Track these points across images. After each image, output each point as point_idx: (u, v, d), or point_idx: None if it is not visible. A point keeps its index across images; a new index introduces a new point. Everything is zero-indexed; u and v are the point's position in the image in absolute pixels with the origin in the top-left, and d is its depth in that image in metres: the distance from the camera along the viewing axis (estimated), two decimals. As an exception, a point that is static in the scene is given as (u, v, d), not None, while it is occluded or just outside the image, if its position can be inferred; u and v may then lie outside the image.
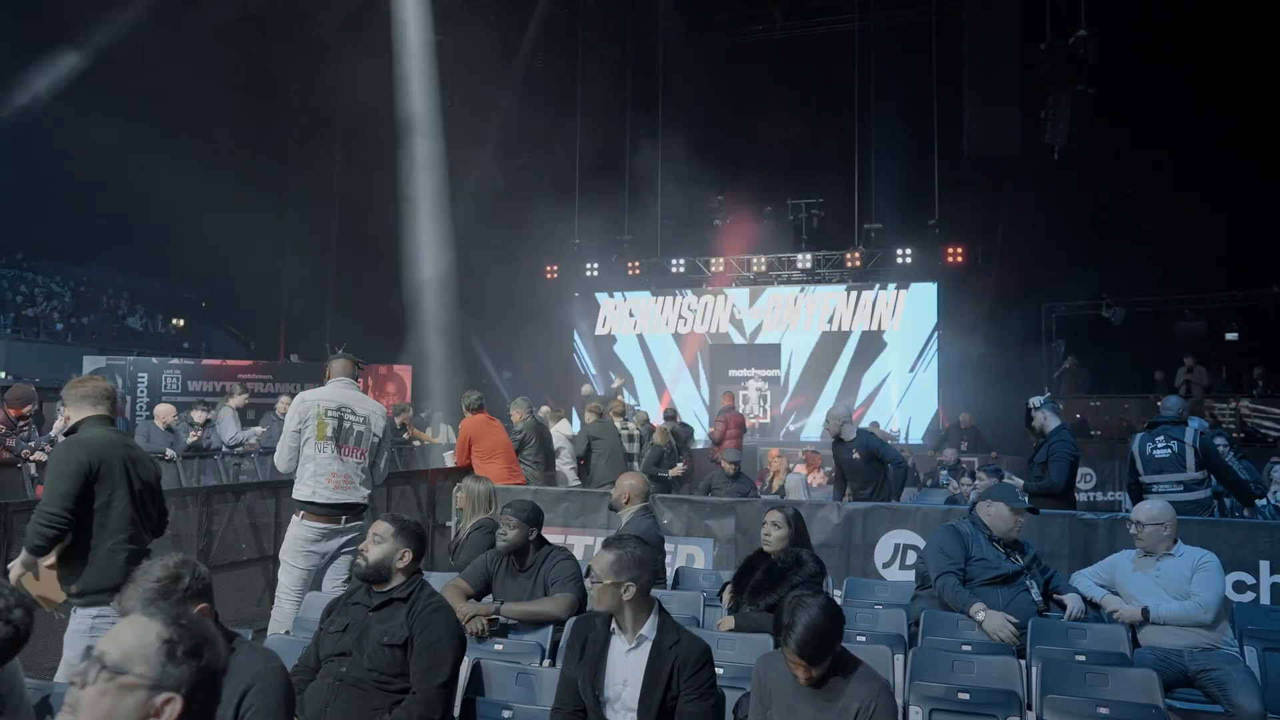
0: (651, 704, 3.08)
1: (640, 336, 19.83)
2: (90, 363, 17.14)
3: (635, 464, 10.64)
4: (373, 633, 3.32)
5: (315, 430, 5.06)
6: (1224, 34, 14.34)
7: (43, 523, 3.54)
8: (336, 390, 5.25)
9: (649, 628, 3.21)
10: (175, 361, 17.90)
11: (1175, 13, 14.50)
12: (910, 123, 16.90)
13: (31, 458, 7.59)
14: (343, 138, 20.82)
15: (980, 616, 4.18)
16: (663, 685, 3.09)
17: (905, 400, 17.69)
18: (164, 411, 10.50)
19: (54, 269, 22.55)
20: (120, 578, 3.57)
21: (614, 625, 3.29)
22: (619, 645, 3.24)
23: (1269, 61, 13.91)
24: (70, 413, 3.86)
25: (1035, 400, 6.76)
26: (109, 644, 1.58)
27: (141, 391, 16.49)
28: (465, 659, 3.53)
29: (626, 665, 3.20)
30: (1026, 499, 6.32)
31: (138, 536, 3.72)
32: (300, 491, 5.08)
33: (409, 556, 3.45)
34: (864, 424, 14.46)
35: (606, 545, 3.39)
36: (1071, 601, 4.43)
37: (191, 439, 10.71)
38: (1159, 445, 6.35)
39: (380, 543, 3.43)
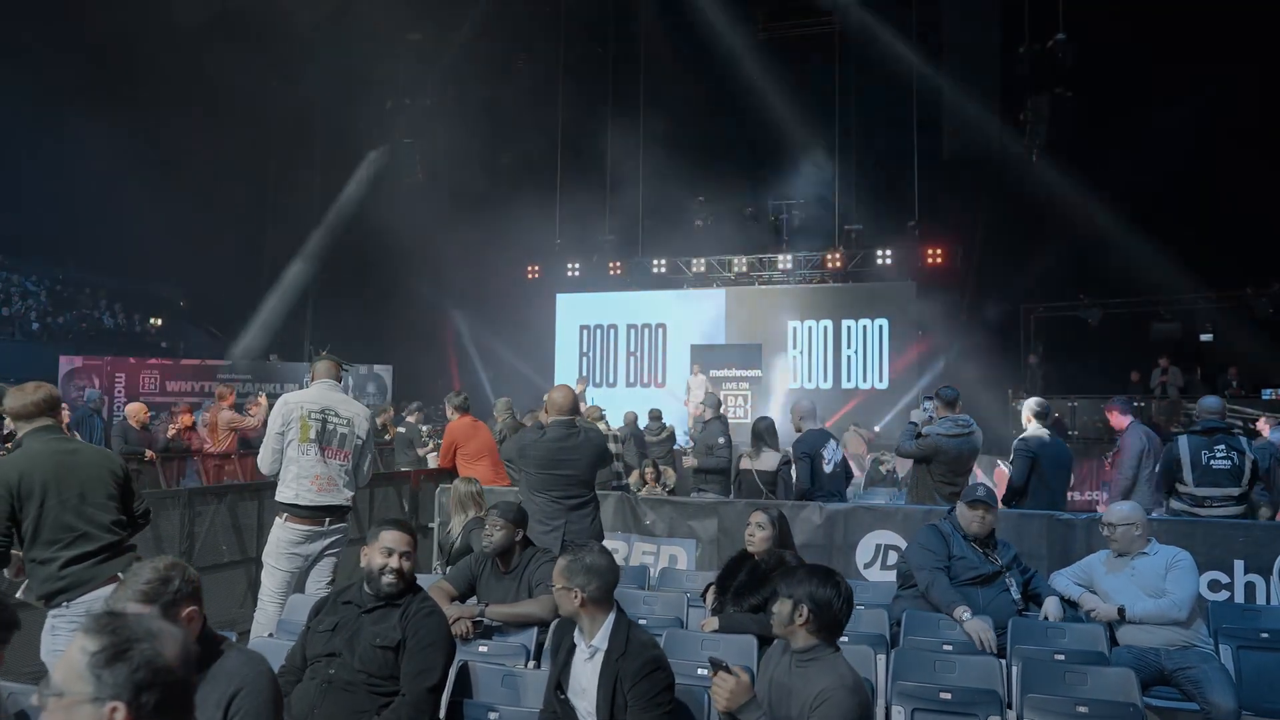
0: (606, 715, 3.12)
1: (622, 337, 19.83)
2: (66, 362, 17.01)
3: (619, 464, 10.66)
4: (365, 634, 3.31)
5: (298, 432, 5.04)
6: (1201, 38, 14.52)
7: None
8: (320, 392, 5.23)
9: (600, 638, 3.23)
10: (153, 361, 17.78)
11: (1152, 17, 14.67)
12: (890, 125, 17.03)
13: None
14: (322, 137, 20.73)
15: (965, 618, 4.22)
16: (611, 697, 3.11)
17: (886, 401, 17.77)
18: (136, 410, 10.40)
19: (30, 268, 22.30)
20: (61, 583, 3.64)
21: (577, 630, 3.32)
22: (581, 651, 3.28)
23: (1246, 66, 14.11)
24: (14, 428, 3.91)
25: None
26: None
27: (119, 391, 16.37)
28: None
29: (585, 673, 3.24)
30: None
31: (84, 538, 3.70)
32: (283, 494, 5.05)
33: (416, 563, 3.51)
34: (847, 427, 14.55)
35: (563, 550, 3.43)
36: (1050, 606, 4.48)
37: (170, 433, 10.63)
38: (1218, 455, 5.92)
39: (409, 558, 3.43)
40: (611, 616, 3.28)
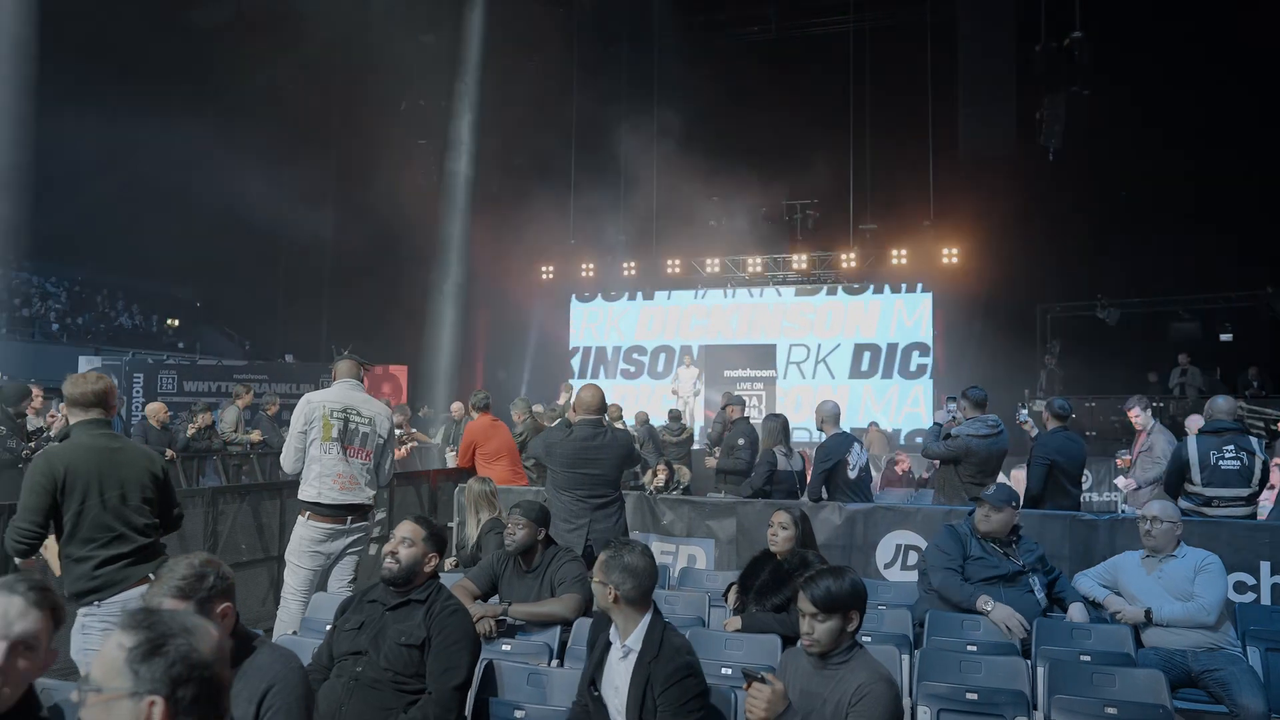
0: (635, 717, 3.09)
1: (636, 337, 19.83)
2: (85, 362, 17.13)
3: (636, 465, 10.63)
4: (390, 632, 3.33)
5: (321, 431, 5.07)
6: (1218, 36, 14.42)
7: (15, 537, 3.63)
8: (342, 391, 5.26)
9: (635, 639, 3.20)
10: (171, 361, 17.89)
11: (1169, 14, 14.58)
12: (905, 124, 16.96)
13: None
14: (336, 137, 20.79)
15: (988, 608, 4.19)
16: (641, 700, 3.09)
17: (900, 401, 17.72)
18: (156, 410, 10.48)
19: (49, 269, 22.48)
20: (94, 582, 3.65)
21: (612, 628, 3.30)
22: (616, 650, 3.26)
23: (1262, 64, 14.00)
24: (68, 416, 3.93)
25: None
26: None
27: (137, 391, 16.47)
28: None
29: (619, 672, 3.22)
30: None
31: (120, 540, 3.71)
32: (306, 492, 5.09)
33: (435, 560, 3.50)
34: (864, 424, 14.52)
35: (606, 545, 3.42)
36: (1075, 612, 4.44)
37: (190, 431, 10.71)
38: (1227, 455, 5.88)
39: (411, 546, 3.44)
40: (647, 618, 3.24)
